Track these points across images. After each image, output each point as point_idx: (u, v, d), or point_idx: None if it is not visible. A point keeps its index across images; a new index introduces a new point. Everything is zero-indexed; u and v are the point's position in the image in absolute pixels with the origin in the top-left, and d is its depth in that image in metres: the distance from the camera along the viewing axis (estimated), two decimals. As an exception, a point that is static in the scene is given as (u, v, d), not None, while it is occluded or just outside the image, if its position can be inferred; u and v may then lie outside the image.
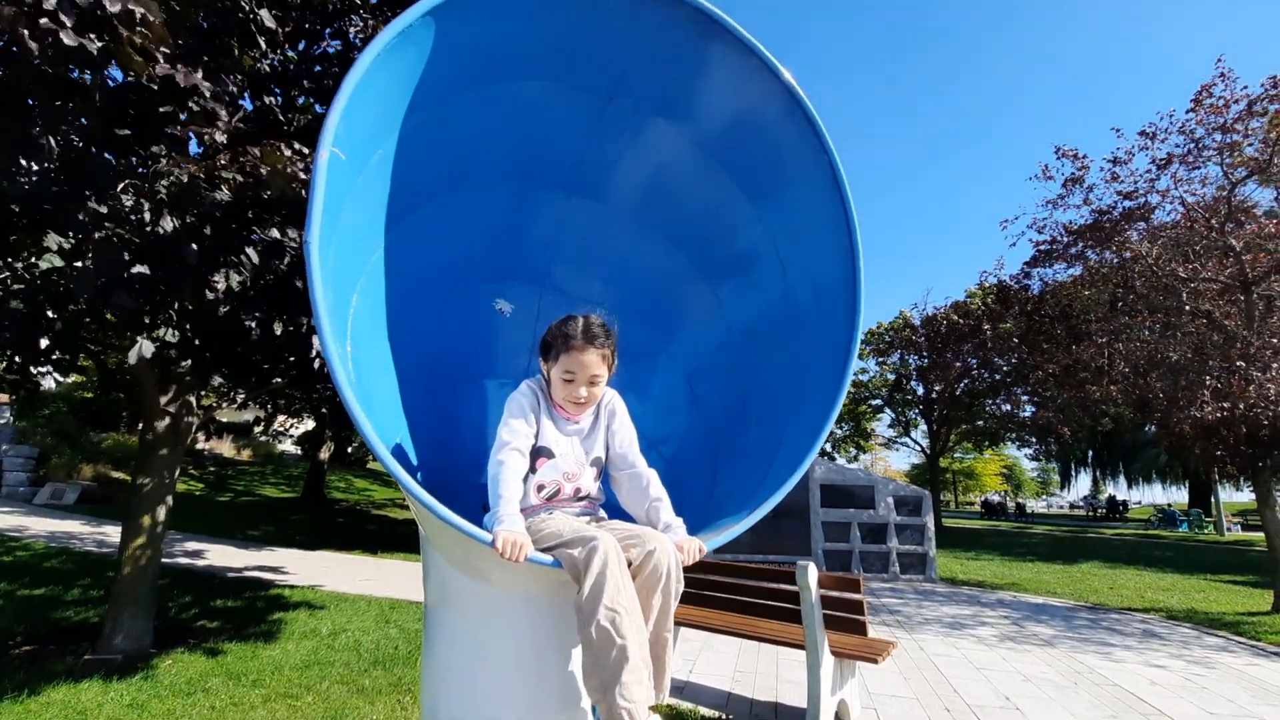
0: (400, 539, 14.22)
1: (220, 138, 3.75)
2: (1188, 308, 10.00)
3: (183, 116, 3.21)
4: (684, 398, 2.37)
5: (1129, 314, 11.49)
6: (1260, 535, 28.96)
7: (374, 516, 18.15)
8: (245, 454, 23.68)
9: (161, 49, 2.82)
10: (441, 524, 1.42)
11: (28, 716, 4.03)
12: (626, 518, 1.89)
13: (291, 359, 4.59)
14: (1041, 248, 12.95)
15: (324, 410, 5.16)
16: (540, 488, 1.87)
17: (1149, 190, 11.24)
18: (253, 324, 3.89)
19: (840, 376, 1.88)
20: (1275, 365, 8.83)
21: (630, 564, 1.58)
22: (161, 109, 3.13)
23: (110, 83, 3.78)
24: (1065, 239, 12.30)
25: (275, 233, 3.86)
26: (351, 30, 4.62)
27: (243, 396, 7.42)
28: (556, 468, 1.87)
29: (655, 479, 1.87)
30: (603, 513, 1.94)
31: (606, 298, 2.33)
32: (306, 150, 3.85)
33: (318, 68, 4.81)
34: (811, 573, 4.33)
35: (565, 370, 1.86)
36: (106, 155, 3.30)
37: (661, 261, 2.35)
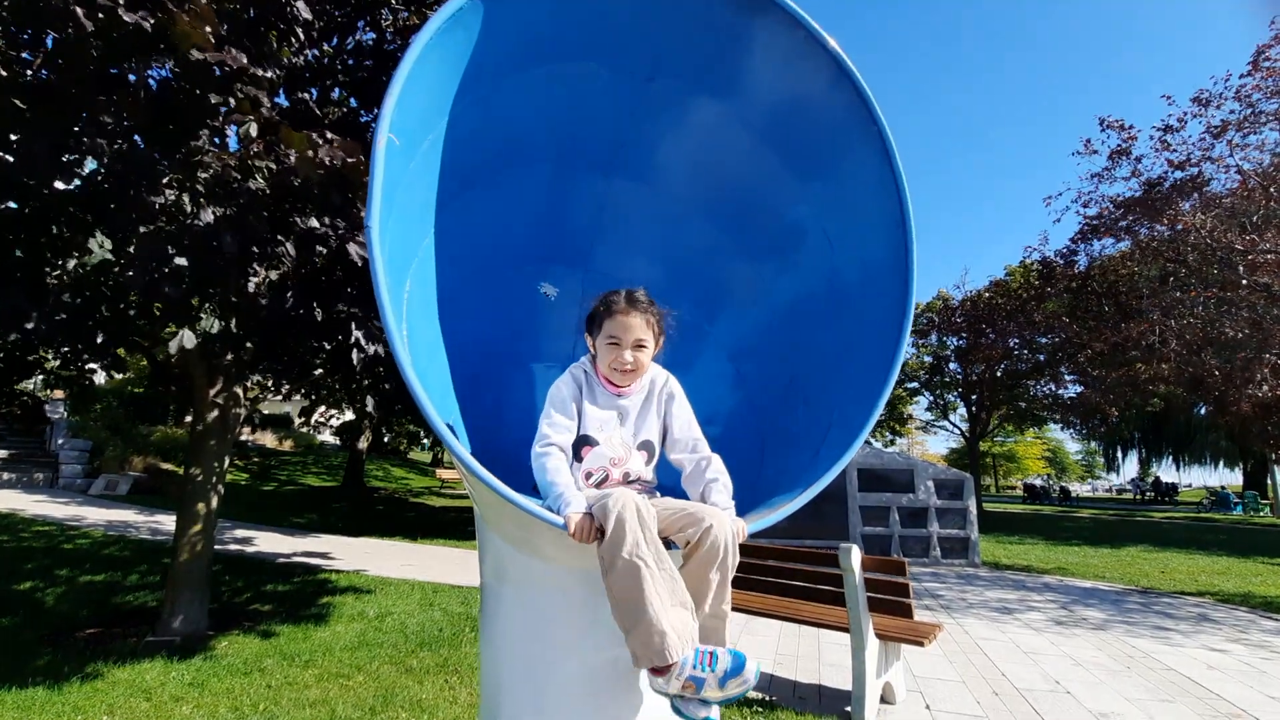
0: (438, 526, 14.50)
1: (253, 130, 3.80)
2: (1245, 281, 9.57)
3: (230, 103, 3.26)
4: (729, 378, 2.35)
5: (1181, 289, 11.04)
6: (1322, 517, 27.83)
7: (412, 504, 18.53)
8: (287, 445, 24.38)
9: (208, 29, 2.87)
10: (502, 504, 1.42)
11: (95, 695, 4.21)
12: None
13: (328, 347, 4.68)
14: (1091, 222, 12.49)
15: (369, 398, 5.23)
16: (588, 475, 1.86)
17: (1203, 159, 10.76)
18: (291, 309, 3.96)
19: (892, 355, 1.83)
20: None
21: (686, 544, 1.57)
22: (208, 95, 3.19)
23: (151, 81, 3.87)
24: (1114, 213, 11.84)
25: (314, 221, 3.92)
26: (384, 22, 4.64)
27: (286, 388, 7.61)
28: (602, 454, 1.86)
29: (717, 461, 1.84)
30: (656, 494, 1.93)
31: (649, 279, 2.30)
32: (334, 138, 3.88)
33: (350, 60, 4.85)
34: (855, 555, 4.28)
35: (609, 335, 1.85)
36: (154, 153, 3.38)
37: (704, 241, 2.32)
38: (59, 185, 3.27)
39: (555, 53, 1.87)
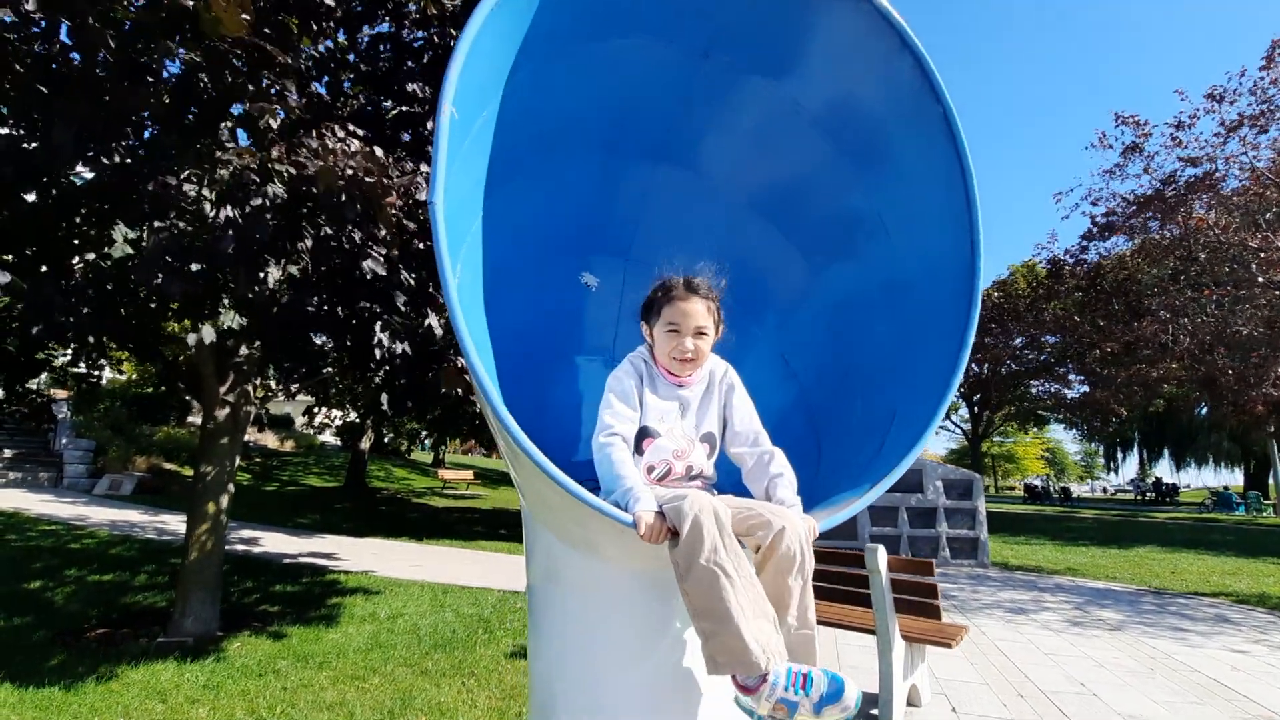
0: (443, 526, 14.42)
1: (274, 123, 3.72)
2: (1260, 279, 9.50)
3: (251, 89, 3.18)
4: (778, 372, 2.27)
5: (1193, 287, 10.96)
6: (1325, 518, 27.77)
7: (415, 505, 18.45)
8: (288, 445, 24.29)
9: (244, 15, 2.80)
10: (562, 499, 1.35)
11: (110, 696, 4.13)
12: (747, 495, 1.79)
13: (349, 344, 4.60)
14: (1103, 219, 12.40)
15: (384, 396, 5.16)
16: (650, 469, 1.77)
17: (1214, 156, 10.69)
18: (313, 309, 3.89)
19: (959, 345, 1.75)
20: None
21: (758, 549, 1.48)
22: (235, 83, 3.11)
23: (166, 73, 3.80)
24: (1126, 210, 11.76)
25: (328, 230, 3.85)
26: (406, 11, 4.56)
27: (295, 387, 7.53)
28: (664, 447, 1.77)
29: (780, 456, 1.76)
30: (714, 492, 1.85)
31: (693, 272, 2.23)
32: (360, 133, 3.80)
33: (368, 52, 4.77)
34: (881, 555, 4.21)
35: (668, 322, 1.77)
36: (172, 145, 3.31)
37: (752, 231, 2.25)
38: (84, 173, 3.19)
39: (610, 26, 1.79)
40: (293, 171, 3.48)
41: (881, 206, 2.01)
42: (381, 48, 4.69)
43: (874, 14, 1.76)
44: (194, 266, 3.39)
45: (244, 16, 2.77)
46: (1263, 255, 10.00)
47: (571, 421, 2.40)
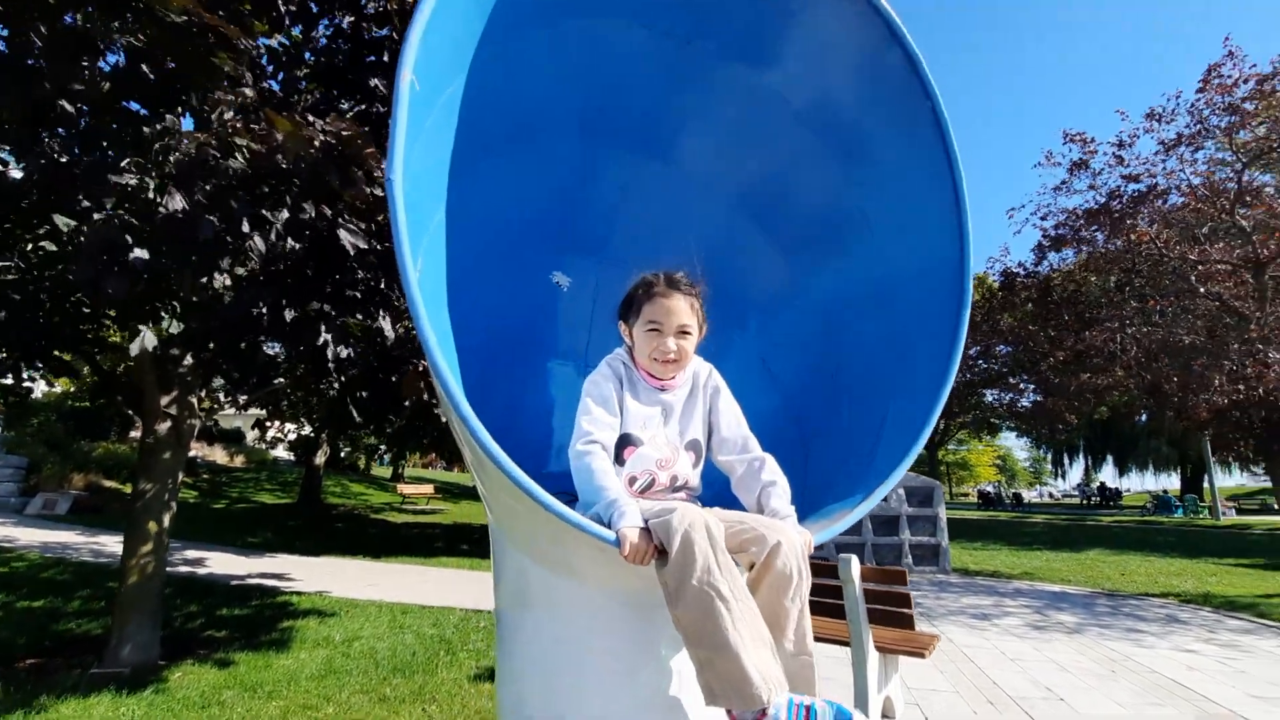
0: (401, 543, 13.97)
1: (228, 113, 3.50)
2: (1202, 290, 9.92)
3: (205, 75, 2.95)
4: (759, 377, 2.18)
5: (1138, 298, 11.40)
6: (1258, 519, 29.16)
7: (373, 520, 17.87)
8: (239, 460, 23.34)
9: None
10: (536, 514, 1.22)
11: (35, 736, 3.79)
12: (738, 506, 1.68)
13: (301, 349, 4.37)
14: (1057, 231, 12.86)
15: (347, 404, 4.91)
16: (631, 480, 1.64)
17: (1150, 174, 11.16)
18: (263, 311, 3.64)
19: (950, 345, 1.70)
20: (1292, 346, 8.76)
21: (752, 566, 1.37)
22: (187, 65, 2.87)
23: (104, 63, 3.54)
24: (1076, 221, 12.21)
25: (286, 214, 3.61)
26: (365, 4, 4.37)
27: (244, 399, 7.17)
28: (647, 456, 1.65)
29: (771, 462, 1.65)
30: (698, 503, 1.73)
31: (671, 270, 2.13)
32: (320, 122, 3.59)
33: (328, 45, 4.55)
34: (854, 565, 4.15)
35: (649, 321, 1.65)
36: (111, 133, 3.05)
37: (733, 229, 2.16)
38: (13, 172, 2.92)
39: (587, 4, 1.68)
40: (254, 146, 3.20)
41: (867, 204, 1.95)
42: (338, 43, 4.49)
43: (862, 2, 1.69)
44: (140, 253, 3.09)
45: (193, -4, 2.58)
46: (1201, 268, 10.45)
47: (543, 430, 2.26)
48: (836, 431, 1.92)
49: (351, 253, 3.26)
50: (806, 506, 1.79)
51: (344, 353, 3.99)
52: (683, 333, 1.66)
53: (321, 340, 3.96)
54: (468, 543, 14.13)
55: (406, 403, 4.30)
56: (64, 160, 3.30)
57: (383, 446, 22.89)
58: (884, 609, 4.29)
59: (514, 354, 2.24)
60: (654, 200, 2.16)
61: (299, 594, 8.06)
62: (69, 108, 2.90)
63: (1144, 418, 33.33)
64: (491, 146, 1.80)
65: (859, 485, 1.60)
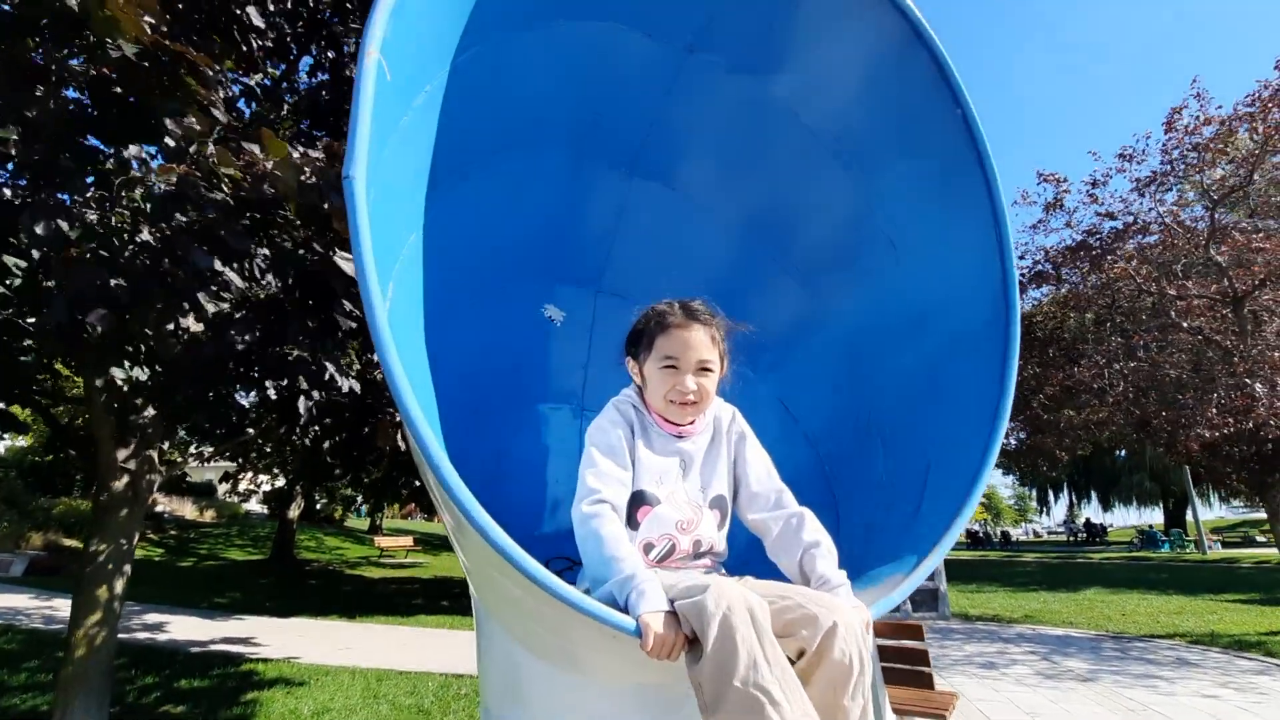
0: (378, 600, 13.32)
1: (210, 146, 3.29)
2: (1185, 325, 9.98)
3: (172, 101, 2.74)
4: (778, 420, 1.96)
5: (1120, 334, 11.48)
6: (1244, 552, 29.17)
7: (348, 577, 17.12)
8: (208, 515, 22.45)
9: (146, 18, 2.40)
10: (526, 597, 0.97)
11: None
12: (775, 574, 1.40)
13: (272, 397, 4.08)
14: (1030, 270, 13.05)
15: (324, 453, 4.59)
16: (647, 548, 1.38)
17: (1126, 212, 11.39)
18: (239, 350, 3.37)
19: (1002, 376, 1.49)
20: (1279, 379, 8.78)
21: (802, 654, 1.11)
22: (145, 93, 2.66)
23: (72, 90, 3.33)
24: (1056, 256, 12.40)
25: (265, 251, 3.38)
26: (344, 42, 4.24)
27: (209, 451, 6.78)
28: (665, 517, 1.39)
29: (811, 519, 1.40)
30: (723, 570, 1.46)
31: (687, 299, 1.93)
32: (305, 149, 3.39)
33: (306, 80, 4.42)
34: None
35: (664, 356, 1.41)
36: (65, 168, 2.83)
37: (742, 255, 1.97)
38: None
39: (582, 7, 1.51)
40: (236, 175, 2.96)
41: (890, 223, 1.77)
42: (319, 75, 4.35)
43: (885, 2, 1.54)
44: (116, 282, 2.81)
45: (146, 19, 2.39)
46: (1181, 302, 10.54)
47: (534, 483, 2.00)
48: (871, 480, 1.69)
49: (349, 278, 2.99)
50: (842, 561, 1.56)
51: (315, 397, 3.71)
52: (703, 369, 1.42)
53: (301, 385, 3.68)
54: (448, 598, 13.50)
55: (381, 450, 4.01)
56: (9, 198, 3.07)
57: (359, 498, 22.14)
58: (900, 667, 4.00)
59: (501, 397, 2.00)
60: (653, 224, 1.96)
61: (265, 661, 7.52)
62: (14, 136, 2.68)
63: (1122, 454, 33.58)
64: (475, 160, 1.60)
65: (906, 544, 1.37)
